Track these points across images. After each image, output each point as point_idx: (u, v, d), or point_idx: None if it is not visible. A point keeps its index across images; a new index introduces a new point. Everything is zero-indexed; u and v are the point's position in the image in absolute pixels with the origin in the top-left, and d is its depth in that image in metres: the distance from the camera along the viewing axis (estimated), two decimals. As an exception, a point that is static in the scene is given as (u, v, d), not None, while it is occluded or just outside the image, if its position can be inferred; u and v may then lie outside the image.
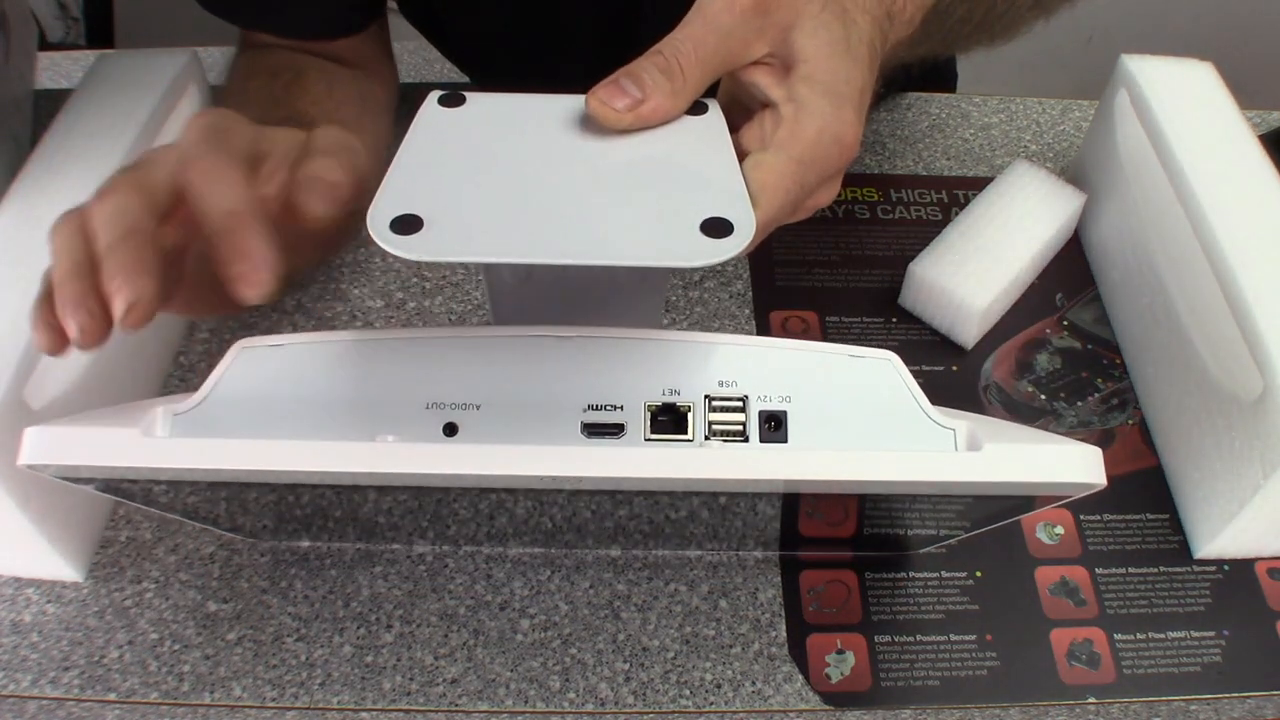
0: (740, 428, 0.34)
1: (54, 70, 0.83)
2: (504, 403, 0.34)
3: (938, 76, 0.84)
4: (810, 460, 0.32)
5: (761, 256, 0.65)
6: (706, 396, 0.34)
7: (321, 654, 0.49)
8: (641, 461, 0.31)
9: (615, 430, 0.34)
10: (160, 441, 0.32)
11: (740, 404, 0.34)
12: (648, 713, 0.48)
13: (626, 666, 0.49)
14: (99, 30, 1.32)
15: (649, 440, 0.34)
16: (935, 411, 0.35)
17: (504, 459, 0.31)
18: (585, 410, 0.34)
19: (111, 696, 0.47)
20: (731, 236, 0.31)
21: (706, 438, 0.34)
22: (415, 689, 0.48)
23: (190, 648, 0.49)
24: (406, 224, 0.31)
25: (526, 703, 0.48)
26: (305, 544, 0.52)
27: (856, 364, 0.35)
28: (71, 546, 0.49)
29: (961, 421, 0.34)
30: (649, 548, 0.52)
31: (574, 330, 0.35)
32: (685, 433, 0.34)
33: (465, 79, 0.82)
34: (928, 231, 0.64)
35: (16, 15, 0.62)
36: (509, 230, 0.31)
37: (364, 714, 0.47)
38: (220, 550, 0.52)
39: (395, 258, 0.38)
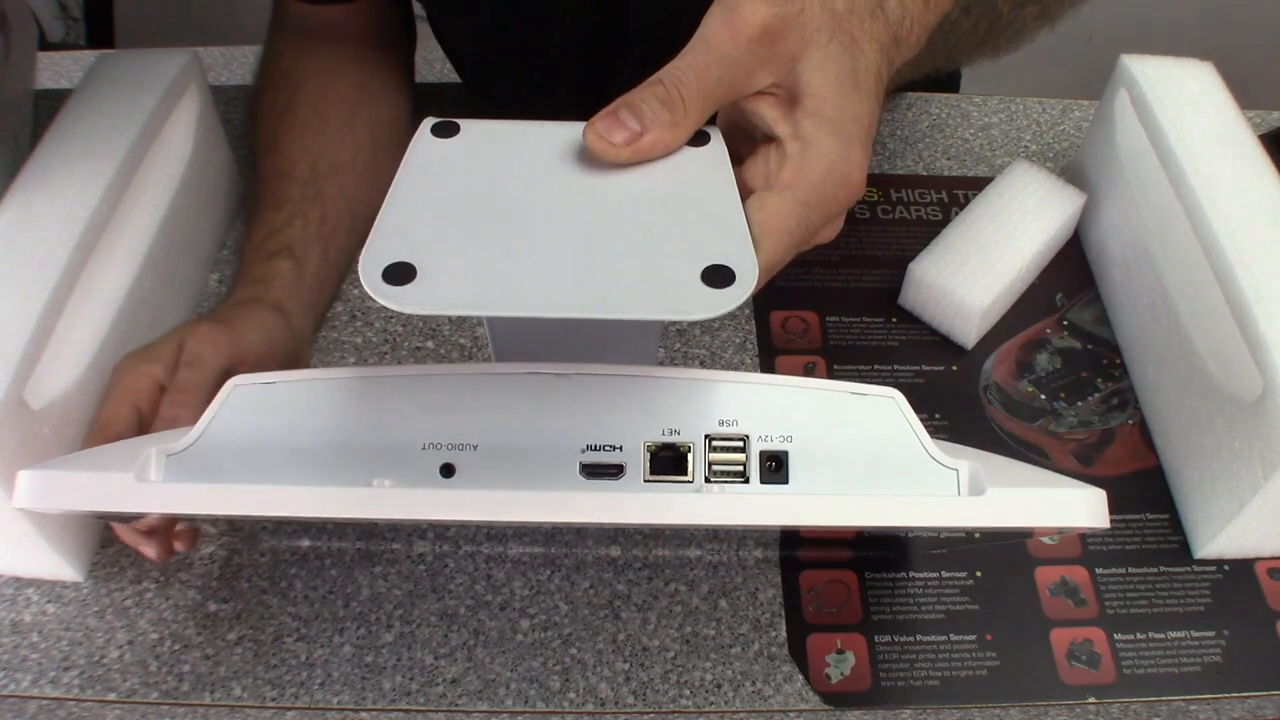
0: (741, 468, 0.34)
1: (54, 70, 0.83)
2: (502, 443, 0.33)
3: (942, 75, 0.84)
4: (811, 506, 0.31)
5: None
6: (707, 436, 0.34)
7: (321, 654, 0.49)
8: (640, 507, 0.31)
9: (614, 471, 0.33)
10: (153, 486, 0.32)
11: (741, 444, 0.34)
12: (648, 713, 0.48)
13: (626, 666, 0.49)
14: (99, 30, 1.32)
15: (648, 481, 0.33)
16: (938, 451, 0.34)
17: (502, 505, 0.30)
18: (584, 451, 0.33)
19: (112, 696, 0.47)
20: (733, 286, 0.30)
21: (707, 479, 0.33)
22: (415, 689, 0.48)
23: (190, 648, 0.49)
24: (399, 274, 0.30)
25: (526, 703, 0.48)
26: (305, 544, 0.52)
27: (859, 402, 0.34)
28: (71, 546, 0.49)
29: (964, 461, 0.34)
30: (649, 547, 0.52)
31: (572, 368, 0.34)
32: (685, 474, 0.34)
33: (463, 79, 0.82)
34: (928, 231, 0.64)
35: (16, 15, 0.62)
36: (504, 281, 0.31)
37: (364, 714, 0.47)
38: (220, 550, 0.52)
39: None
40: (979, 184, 0.66)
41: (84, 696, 0.47)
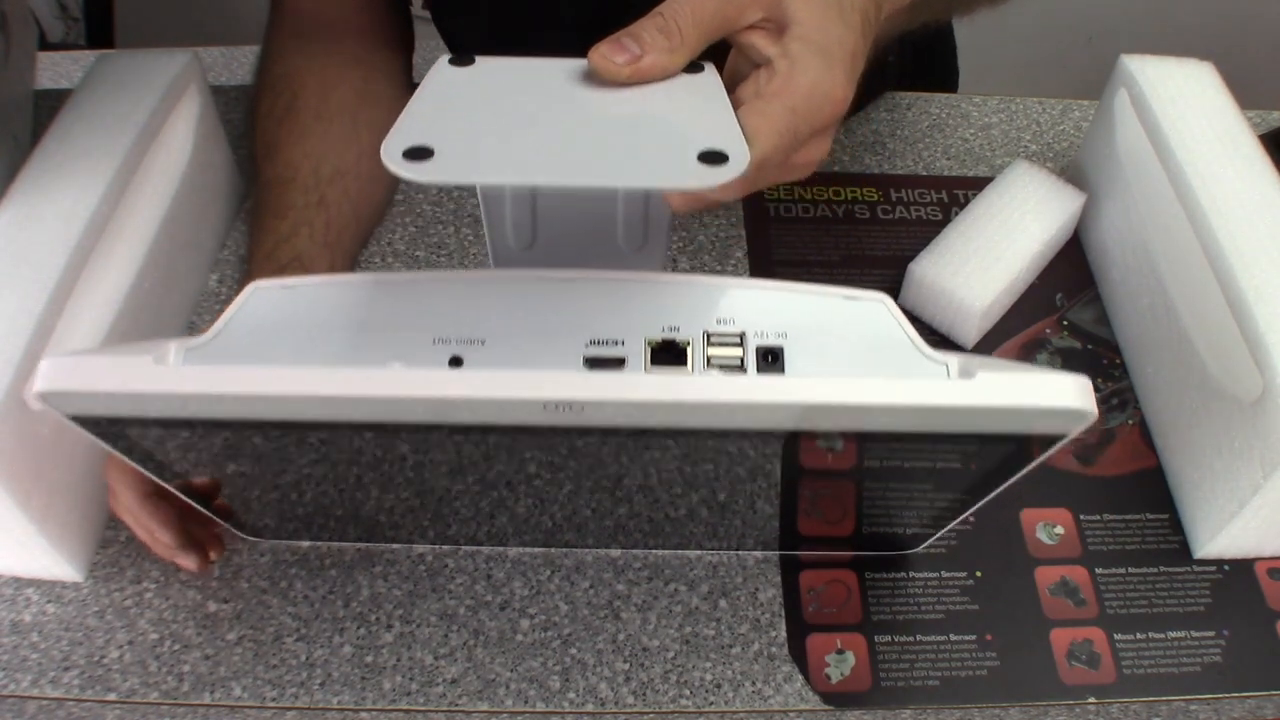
0: (738, 361, 0.35)
1: (54, 70, 0.83)
2: (508, 338, 0.35)
3: (939, 75, 0.84)
4: (807, 386, 0.33)
5: (761, 256, 0.65)
6: (705, 333, 0.36)
7: (321, 654, 0.49)
8: (642, 386, 0.32)
9: (616, 364, 0.35)
10: (172, 368, 0.33)
11: (738, 340, 0.36)
12: (648, 713, 0.48)
13: (626, 666, 0.49)
14: (99, 30, 1.32)
15: (649, 372, 0.35)
16: (928, 348, 0.36)
17: (508, 385, 0.32)
18: (587, 345, 0.35)
19: (111, 696, 0.47)
20: (727, 165, 0.32)
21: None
22: (415, 689, 0.48)
23: (190, 648, 0.49)
24: (418, 154, 0.32)
25: (526, 703, 0.48)
26: (305, 544, 0.52)
27: (851, 305, 0.37)
28: (71, 546, 0.49)
29: (954, 356, 0.35)
30: (649, 548, 0.52)
31: (576, 273, 0.36)
32: (685, 366, 0.35)
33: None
34: (928, 231, 0.64)
35: (16, 15, 0.62)
36: (514, 157, 0.33)
37: (364, 714, 0.47)
38: (220, 550, 0.52)
39: (409, 189, 0.40)
40: (979, 184, 0.66)
41: (84, 696, 0.47)
